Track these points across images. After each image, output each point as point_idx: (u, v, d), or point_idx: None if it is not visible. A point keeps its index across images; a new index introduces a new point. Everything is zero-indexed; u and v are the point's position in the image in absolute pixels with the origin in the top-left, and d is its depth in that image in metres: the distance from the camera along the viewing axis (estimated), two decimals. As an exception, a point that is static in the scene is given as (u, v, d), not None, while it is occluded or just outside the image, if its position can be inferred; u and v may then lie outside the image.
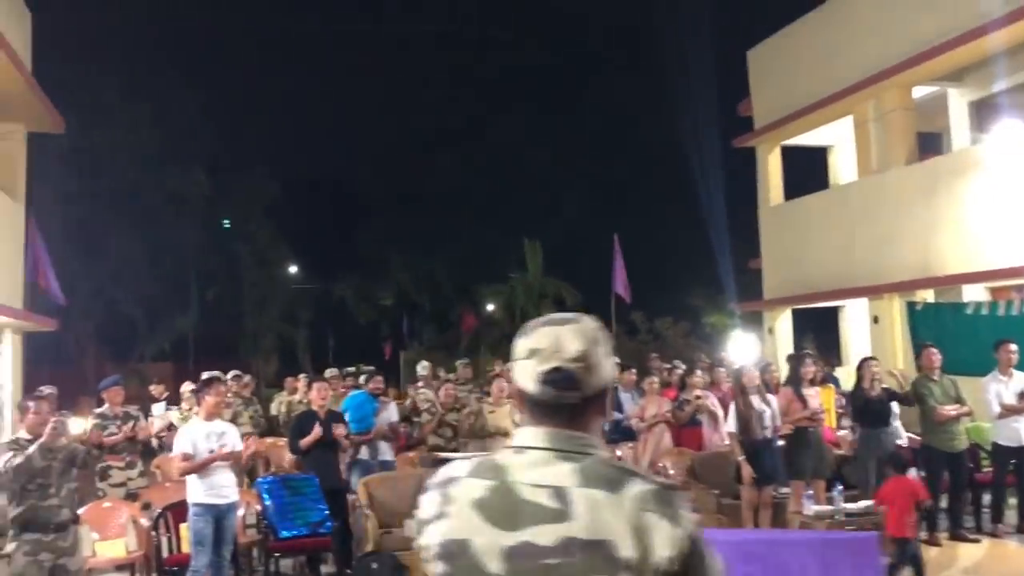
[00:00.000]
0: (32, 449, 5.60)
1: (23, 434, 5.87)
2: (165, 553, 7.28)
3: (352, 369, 12.92)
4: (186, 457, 6.71)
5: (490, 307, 30.93)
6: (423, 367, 11.89)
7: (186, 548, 7.24)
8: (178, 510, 7.47)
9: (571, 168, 30.95)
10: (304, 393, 11.07)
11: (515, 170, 32.46)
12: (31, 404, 5.84)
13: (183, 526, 7.31)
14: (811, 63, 17.06)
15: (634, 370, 11.51)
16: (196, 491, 6.74)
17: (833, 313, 19.26)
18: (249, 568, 7.70)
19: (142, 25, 23.47)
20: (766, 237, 18.81)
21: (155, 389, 11.89)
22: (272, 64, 30.74)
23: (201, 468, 6.68)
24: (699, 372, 10.64)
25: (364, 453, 9.00)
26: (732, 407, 8.17)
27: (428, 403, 10.79)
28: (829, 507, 7.45)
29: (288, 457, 9.35)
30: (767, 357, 18.19)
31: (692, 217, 27.56)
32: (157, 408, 10.82)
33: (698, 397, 10.23)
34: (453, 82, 35.06)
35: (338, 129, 33.46)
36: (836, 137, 18.37)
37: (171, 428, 9.64)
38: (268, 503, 7.37)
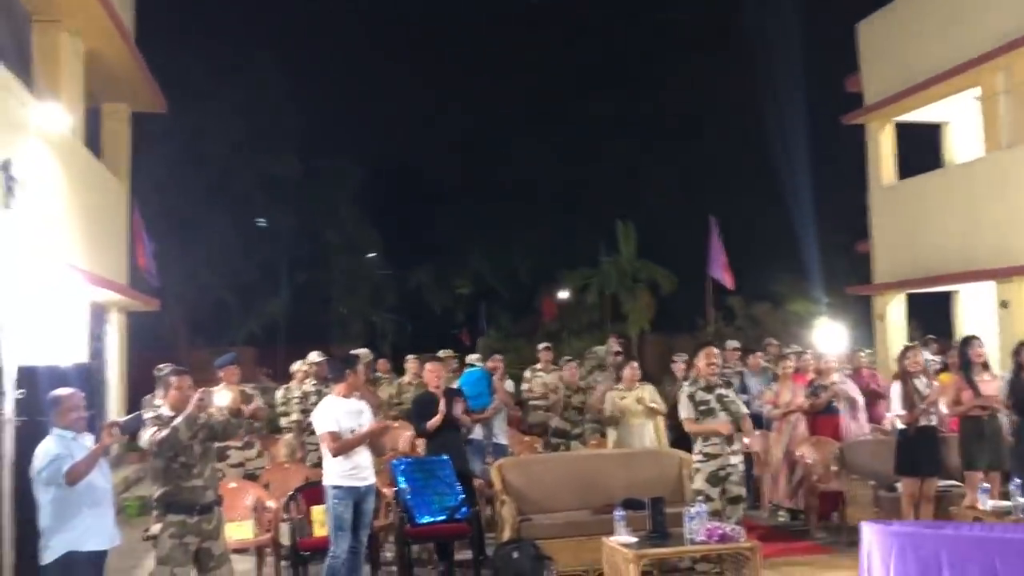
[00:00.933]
0: (179, 420, 5.34)
1: (165, 410, 5.61)
2: (287, 539, 7.03)
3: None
4: (335, 436, 6.39)
5: (565, 294, 30.41)
6: (544, 348, 11.46)
7: (318, 532, 6.97)
8: (308, 492, 7.21)
9: (660, 150, 30.11)
10: (414, 375, 10.76)
11: (601, 153, 31.74)
12: (173, 379, 5.57)
13: (314, 509, 7.04)
14: (931, 33, 16.09)
15: (761, 354, 10.90)
16: (335, 473, 6.43)
17: (945, 299, 18.29)
18: (376, 554, 7.35)
19: (229, 6, 23.35)
20: (877, 218, 17.90)
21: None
22: (355, 49, 30.51)
23: (355, 446, 6.37)
24: (832, 357, 9.99)
25: (478, 433, 8.68)
26: (895, 389, 7.60)
27: (544, 387, 10.41)
28: (1007, 502, 6.80)
29: (404, 439, 9.05)
30: (878, 344, 17.51)
31: (776, 200, 26.65)
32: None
33: (833, 382, 9.60)
34: (534, 65, 34.45)
35: (416, 115, 33.13)
36: (951, 113, 17.38)
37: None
38: (404, 486, 7.03)
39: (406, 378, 11.18)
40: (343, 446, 6.36)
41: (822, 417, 9.65)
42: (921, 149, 18.33)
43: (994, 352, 14.72)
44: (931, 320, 19.51)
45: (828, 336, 17.35)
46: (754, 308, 23.11)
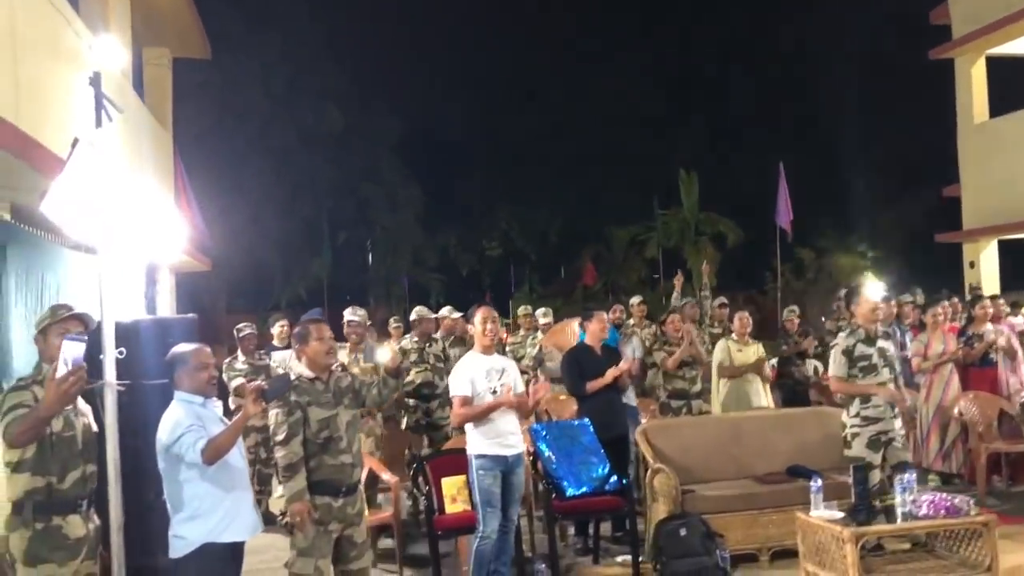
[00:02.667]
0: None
1: (302, 368, 4.63)
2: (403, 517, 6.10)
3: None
4: (465, 401, 5.41)
5: (590, 259, 29.29)
6: (639, 303, 10.37)
7: (450, 508, 6.02)
8: (437, 462, 6.25)
9: (705, 98, 28.88)
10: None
11: (642, 107, 30.49)
12: (313, 328, 4.59)
13: (446, 481, 6.08)
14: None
15: (894, 302, 9.82)
16: (479, 441, 5.46)
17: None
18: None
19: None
20: (967, 159, 16.74)
21: (278, 331, 9.05)
22: (392, 3, 29.13)
23: (484, 415, 5.40)
24: (987, 303, 8.93)
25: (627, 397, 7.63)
26: None
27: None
28: None
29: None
30: (968, 292, 16.40)
31: (824, 147, 25.45)
32: (278, 356, 8.61)
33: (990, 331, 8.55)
34: (571, 11, 33.04)
35: (446, 71, 31.86)
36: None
37: None
38: (548, 454, 6.05)
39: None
40: (469, 414, 5.40)
41: (975, 370, 8.62)
42: (1012, 85, 17.10)
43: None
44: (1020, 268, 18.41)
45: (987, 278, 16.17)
46: (825, 260, 21.95)
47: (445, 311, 9.52)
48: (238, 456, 4.04)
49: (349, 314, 7.60)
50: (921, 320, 9.96)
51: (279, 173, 20.57)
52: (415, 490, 6.09)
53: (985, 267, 16.28)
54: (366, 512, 4.85)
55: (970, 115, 16.55)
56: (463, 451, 5.72)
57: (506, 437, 5.47)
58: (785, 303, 15.58)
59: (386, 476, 6.72)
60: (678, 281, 11.72)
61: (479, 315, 5.57)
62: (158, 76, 13.63)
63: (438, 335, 8.87)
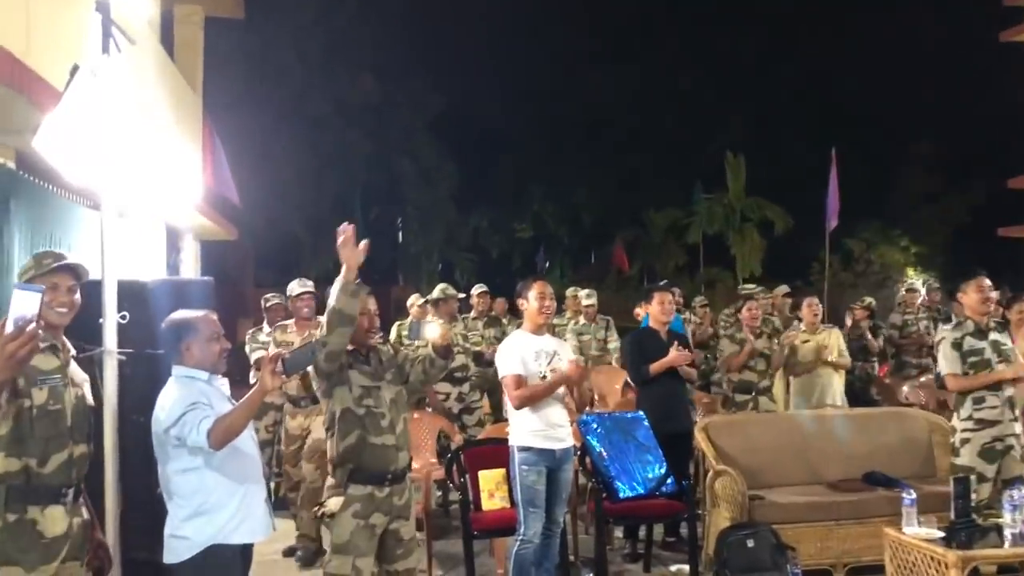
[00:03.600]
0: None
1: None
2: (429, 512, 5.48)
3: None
4: (520, 381, 4.78)
5: (623, 244, 28.45)
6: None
7: (487, 504, 5.40)
8: (474, 452, 5.63)
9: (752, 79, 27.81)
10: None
11: (680, 89, 29.53)
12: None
13: (483, 474, 5.47)
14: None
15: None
16: (524, 431, 4.82)
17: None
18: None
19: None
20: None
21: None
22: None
23: (549, 393, 4.76)
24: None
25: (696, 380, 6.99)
26: None
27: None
28: None
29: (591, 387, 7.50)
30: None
31: (865, 140, 24.37)
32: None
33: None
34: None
35: (488, 49, 31.04)
36: None
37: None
38: (599, 449, 5.41)
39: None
40: (532, 395, 4.75)
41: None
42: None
43: None
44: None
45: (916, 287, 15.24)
46: (876, 251, 21.04)
47: (476, 289, 8.91)
48: (250, 441, 3.42)
49: (297, 286, 6.94)
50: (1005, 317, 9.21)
51: (311, 144, 19.93)
52: (450, 482, 5.46)
53: (1051, 264, 15.38)
54: (416, 504, 4.22)
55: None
56: (503, 441, 5.11)
57: (555, 429, 4.83)
58: (833, 296, 14.81)
59: (415, 464, 6.11)
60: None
61: (534, 289, 4.91)
62: (189, 35, 13.04)
63: (473, 314, 8.26)
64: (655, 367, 5.75)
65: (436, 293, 8.18)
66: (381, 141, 22.63)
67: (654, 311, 6.03)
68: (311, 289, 6.87)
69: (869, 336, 9.66)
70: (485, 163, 30.99)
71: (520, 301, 5.02)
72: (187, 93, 12.23)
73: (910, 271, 23.07)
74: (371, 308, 4.04)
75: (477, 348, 8.11)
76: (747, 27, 29.82)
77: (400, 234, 26.01)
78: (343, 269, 3.76)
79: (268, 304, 7.55)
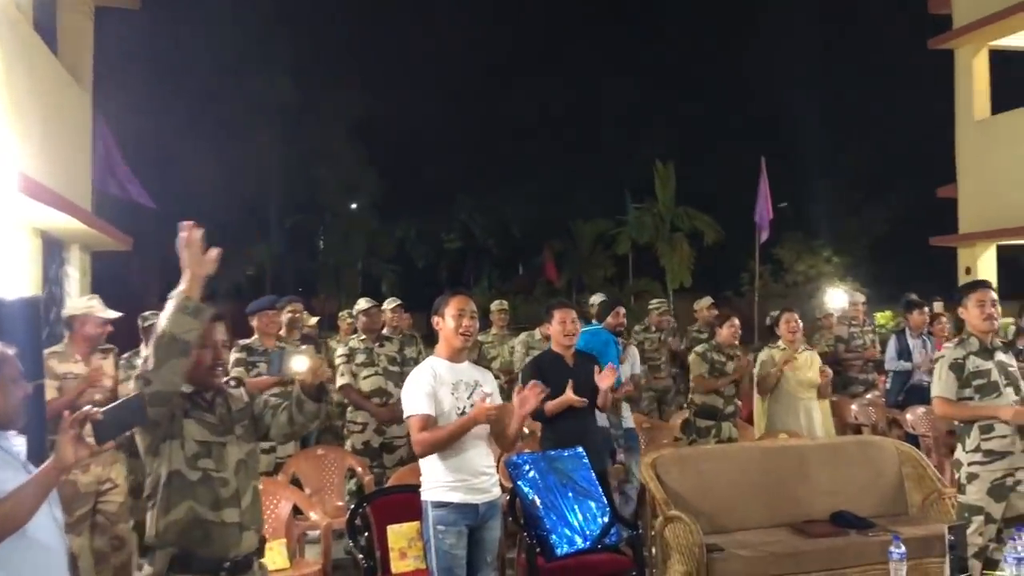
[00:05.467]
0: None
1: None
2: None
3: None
4: (427, 422, 3.88)
5: (552, 255, 27.91)
6: (656, 303, 9.00)
7: (398, 566, 4.50)
8: (382, 503, 4.72)
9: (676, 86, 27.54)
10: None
11: (608, 94, 29.10)
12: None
13: (393, 531, 4.56)
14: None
15: (926, 309, 8.54)
16: (438, 482, 3.94)
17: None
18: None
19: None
20: (966, 158, 15.55)
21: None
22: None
23: (458, 436, 3.87)
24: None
25: (601, 417, 6.04)
26: None
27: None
28: None
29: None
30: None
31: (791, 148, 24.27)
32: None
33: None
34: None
35: (412, 54, 30.13)
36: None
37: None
38: (532, 497, 4.55)
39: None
40: (437, 440, 3.85)
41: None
42: (1007, 80, 15.99)
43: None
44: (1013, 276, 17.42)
45: (836, 298, 14.92)
46: (804, 262, 20.75)
47: (388, 303, 7.96)
48: (47, 530, 2.46)
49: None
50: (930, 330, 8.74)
51: (223, 148, 18.68)
52: (351, 542, 4.53)
53: (983, 274, 15.11)
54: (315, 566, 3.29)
55: (970, 111, 15.39)
56: (417, 488, 4.21)
57: (477, 478, 3.95)
58: (763, 307, 14.28)
59: (315, 515, 5.17)
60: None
61: (452, 305, 4.00)
62: (75, 24, 11.80)
63: (387, 331, 7.34)
64: (551, 407, 4.85)
65: (357, 308, 7.22)
66: (298, 146, 21.45)
67: (554, 332, 5.18)
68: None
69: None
70: (410, 171, 30.01)
71: (435, 320, 4.11)
72: (70, 87, 11.01)
73: (838, 283, 22.98)
74: (218, 338, 3.10)
75: (393, 368, 7.14)
76: (673, 36, 29.64)
77: (320, 243, 24.81)
78: (182, 280, 2.85)
79: (147, 324, 6.49)
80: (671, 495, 4.98)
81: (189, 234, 2.79)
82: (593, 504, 4.66)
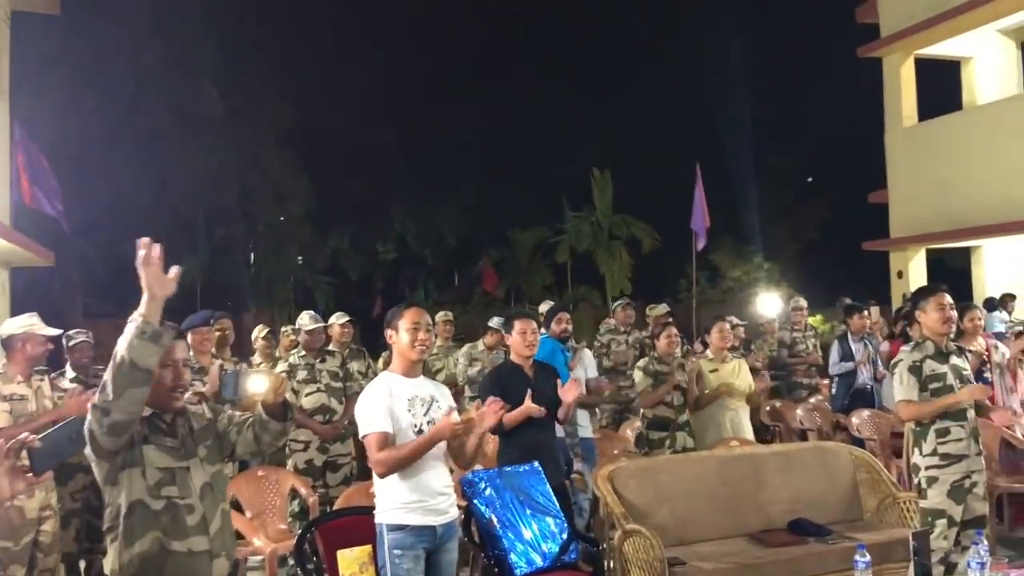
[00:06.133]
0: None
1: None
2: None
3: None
4: (386, 440, 3.68)
5: (491, 264, 27.83)
6: (624, 304, 8.84)
7: (350, 594, 4.26)
8: (331, 527, 4.48)
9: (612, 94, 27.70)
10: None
11: (543, 105, 29.16)
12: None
13: (343, 556, 4.32)
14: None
15: (867, 312, 8.61)
16: (394, 505, 3.75)
17: (965, 254, 16.56)
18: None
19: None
20: (896, 164, 15.92)
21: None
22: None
23: (419, 454, 3.68)
24: (977, 313, 7.75)
25: (558, 428, 5.90)
26: None
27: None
28: None
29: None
30: (896, 305, 15.59)
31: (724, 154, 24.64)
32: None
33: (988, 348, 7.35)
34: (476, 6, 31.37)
35: (343, 60, 29.75)
36: (977, 47, 15.50)
37: None
38: (488, 516, 4.37)
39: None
40: (401, 458, 3.67)
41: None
42: (935, 88, 16.44)
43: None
44: (948, 279, 17.82)
45: (769, 303, 15.19)
46: (739, 268, 20.98)
47: (336, 318, 7.71)
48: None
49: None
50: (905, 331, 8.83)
51: (148, 158, 18.05)
52: (299, 569, 4.29)
53: (914, 278, 15.46)
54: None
55: (899, 118, 15.77)
56: (368, 510, 4.01)
57: (435, 498, 3.77)
58: (701, 313, 14.33)
59: (258, 541, 4.91)
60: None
61: (406, 318, 3.83)
62: (-10, 29, 11.34)
63: (333, 347, 7.10)
64: (509, 420, 4.68)
65: (299, 323, 6.91)
66: (227, 155, 20.89)
67: (515, 342, 5.02)
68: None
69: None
70: (343, 180, 29.56)
71: (388, 333, 3.92)
72: (-15, 95, 10.54)
73: (773, 288, 23.34)
74: (179, 357, 2.89)
75: (336, 384, 6.87)
76: (608, 44, 29.86)
77: (251, 255, 24.22)
78: (142, 302, 2.64)
79: (72, 343, 6.13)
80: (629, 508, 4.86)
81: (148, 252, 2.56)
82: (551, 521, 4.50)
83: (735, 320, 9.20)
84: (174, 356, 2.88)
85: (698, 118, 25.85)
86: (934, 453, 4.57)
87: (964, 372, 4.72)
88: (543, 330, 6.60)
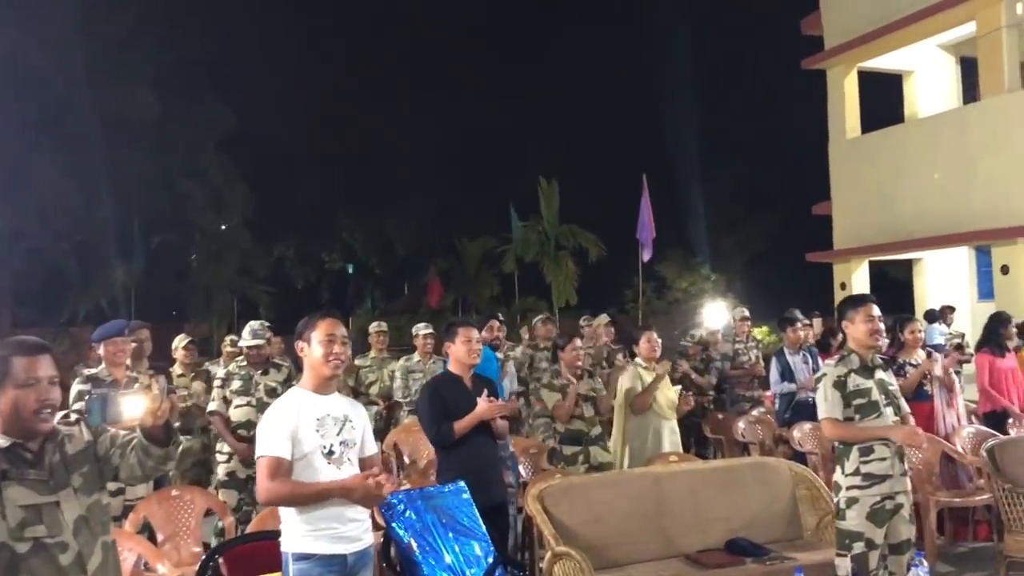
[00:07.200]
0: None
1: None
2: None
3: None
4: (277, 466, 3.36)
5: (437, 274, 27.57)
6: (544, 319, 8.55)
7: (257, 627, 3.95)
8: (238, 552, 4.16)
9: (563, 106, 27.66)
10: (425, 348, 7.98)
11: (494, 113, 29.00)
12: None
13: (251, 586, 4.01)
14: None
15: (807, 323, 8.50)
16: (299, 531, 3.44)
17: (907, 266, 16.72)
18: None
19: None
20: (839, 176, 16.04)
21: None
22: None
23: (312, 501, 3.38)
24: (917, 325, 7.67)
25: (505, 438, 5.66)
26: None
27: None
28: None
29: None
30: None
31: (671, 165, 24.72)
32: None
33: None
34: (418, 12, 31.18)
35: (287, 64, 29.29)
36: (918, 61, 15.69)
37: None
38: (407, 540, 4.09)
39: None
40: (283, 494, 3.34)
41: (908, 404, 7.30)
42: (877, 101, 16.61)
43: (965, 326, 13.13)
44: (888, 290, 18.00)
45: (715, 314, 15.23)
46: (686, 279, 20.96)
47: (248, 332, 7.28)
48: None
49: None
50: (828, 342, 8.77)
51: (78, 163, 17.40)
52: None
53: (856, 289, 15.53)
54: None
55: (842, 130, 15.89)
56: (277, 535, 3.70)
57: (345, 524, 3.46)
58: (647, 324, 14.12)
59: (163, 568, 4.56)
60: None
61: (320, 329, 3.50)
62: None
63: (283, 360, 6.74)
64: (461, 426, 4.47)
65: (247, 336, 6.44)
66: (163, 161, 20.28)
67: (458, 351, 4.75)
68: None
69: (694, 374, 8.97)
70: (287, 188, 29.02)
71: (300, 345, 3.61)
72: None
73: (719, 299, 23.43)
74: (43, 374, 2.56)
75: (270, 400, 6.47)
76: (556, 54, 29.84)
77: (192, 264, 23.58)
78: None
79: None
80: (560, 529, 4.62)
81: None
82: (476, 544, 4.23)
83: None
84: (37, 373, 2.54)
85: (646, 130, 25.92)
86: (856, 472, 4.34)
87: (890, 387, 4.51)
88: (484, 334, 6.37)
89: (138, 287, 19.17)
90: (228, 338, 8.73)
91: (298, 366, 7.04)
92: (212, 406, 6.24)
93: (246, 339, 6.28)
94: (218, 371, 6.74)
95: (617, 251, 20.51)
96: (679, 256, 24.70)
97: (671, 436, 6.46)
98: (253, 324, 6.42)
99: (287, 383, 6.79)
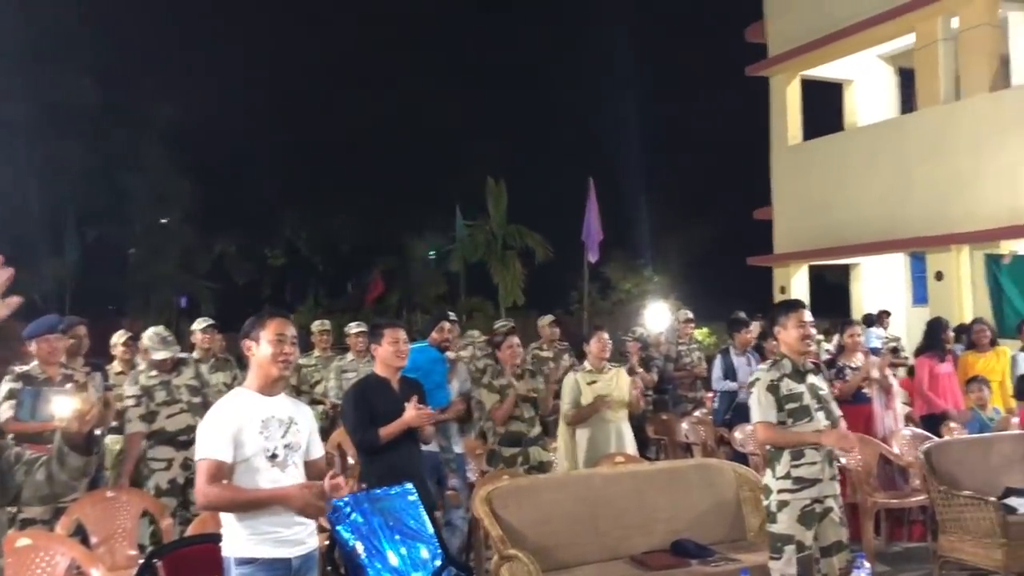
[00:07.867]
0: None
1: None
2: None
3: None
4: (218, 470, 3.28)
5: (380, 273, 27.43)
6: (507, 330, 8.50)
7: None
8: (178, 556, 4.06)
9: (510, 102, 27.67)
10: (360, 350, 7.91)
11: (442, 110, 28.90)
12: None
13: (190, 590, 3.91)
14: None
15: (751, 328, 8.61)
16: (241, 534, 3.36)
17: (844, 271, 17.08)
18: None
19: None
20: (780, 182, 16.30)
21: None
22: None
23: (255, 507, 3.32)
24: (857, 329, 7.83)
25: (432, 442, 5.56)
26: None
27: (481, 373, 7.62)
28: None
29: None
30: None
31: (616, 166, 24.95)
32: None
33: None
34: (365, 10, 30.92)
35: (230, 57, 28.72)
36: (858, 71, 16.05)
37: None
38: (352, 544, 4.03)
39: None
40: (223, 499, 3.28)
41: (847, 407, 7.43)
42: (818, 109, 16.94)
43: (900, 330, 13.49)
44: (824, 294, 18.38)
45: (656, 316, 15.41)
46: (630, 280, 21.11)
47: (199, 324, 7.17)
48: None
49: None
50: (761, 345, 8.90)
51: (10, 153, 16.83)
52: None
53: (796, 293, 15.82)
54: None
55: (784, 136, 16.16)
56: (219, 539, 3.61)
57: (290, 528, 3.40)
58: (592, 324, 14.19)
59: (97, 572, 4.43)
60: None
61: (269, 328, 3.42)
62: None
63: (196, 355, 6.60)
64: (387, 432, 4.42)
65: (158, 345, 6.19)
66: (101, 152, 19.73)
67: (385, 353, 4.68)
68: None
69: (641, 370, 9.02)
70: (229, 183, 28.46)
71: (247, 344, 3.52)
72: None
73: (662, 300, 23.67)
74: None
75: (197, 400, 6.28)
76: (502, 54, 29.84)
77: (129, 259, 23.02)
78: None
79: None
80: (508, 531, 4.60)
81: None
82: (423, 547, 4.19)
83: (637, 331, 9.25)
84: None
85: (592, 131, 26.10)
86: (787, 476, 4.39)
87: (821, 392, 4.56)
88: (420, 337, 6.30)
89: (75, 281, 18.60)
90: (118, 333, 7.64)
91: (241, 364, 6.99)
92: (132, 428, 5.80)
93: (157, 350, 5.91)
94: (127, 386, 6.30)
95: (564, 252, 20.60)
96: (623, 257, 24.90)
97: (629, 435, 6.44)
98: (160, 331, 6.10)
99: (232, 379, 6.69)
